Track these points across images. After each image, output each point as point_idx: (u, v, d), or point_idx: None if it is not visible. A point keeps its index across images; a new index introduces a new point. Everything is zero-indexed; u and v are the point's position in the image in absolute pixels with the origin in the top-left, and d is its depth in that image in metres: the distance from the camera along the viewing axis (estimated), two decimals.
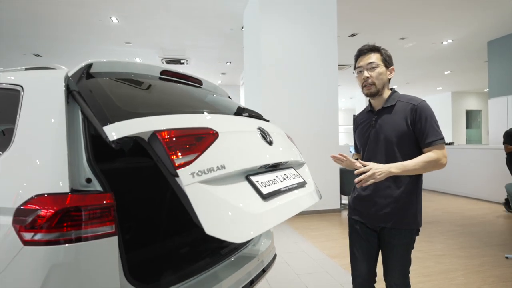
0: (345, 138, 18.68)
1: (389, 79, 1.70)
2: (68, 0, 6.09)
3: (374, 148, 1.68)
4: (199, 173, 1.24)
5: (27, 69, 1.68)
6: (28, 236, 1.14)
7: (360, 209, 1.75)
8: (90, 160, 1.29)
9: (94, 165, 1.29)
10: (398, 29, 7.64)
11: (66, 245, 1.13)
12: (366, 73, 1.65)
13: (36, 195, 1.17)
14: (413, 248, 1.68)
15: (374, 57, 1.64)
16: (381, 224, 1.67)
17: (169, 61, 10.02)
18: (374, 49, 1.67)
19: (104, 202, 1.22)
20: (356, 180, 1.55)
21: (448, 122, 15.44)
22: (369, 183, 1.51)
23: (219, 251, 1.82)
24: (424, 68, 11.31)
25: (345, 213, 5.92)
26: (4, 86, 1.54)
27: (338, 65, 10.11)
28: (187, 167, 1.21)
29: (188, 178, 1.19)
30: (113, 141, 1.15)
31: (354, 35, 7.97)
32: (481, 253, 3.72)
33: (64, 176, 1.20)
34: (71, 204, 1.15)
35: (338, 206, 5.98)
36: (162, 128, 1.25)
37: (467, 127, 15.70)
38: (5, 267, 1.17)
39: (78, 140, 1.32)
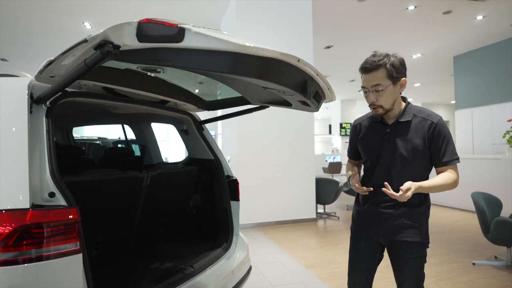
0: (321, 147, 18.99)
1: (401, 92, 1.57)
2: (39, 5, 5.89)
3: (389, 164, 1.57)
4: None
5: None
6: None
7: (366, 223, 1.67)
8: (54, 173, 1.23)
9: (58, 179, 1.22)
10: (370, 43, 7.92)
11: (26, 265, 1.06)
12: (372, 97, 1.52)
13: (4, 210, 1.09)
14: (425, 261, 1.61)
15: (379, 76, 1.47)
16: (391, 237, 1.60)
17: (145, 69, 9.83)
18: (378, 66, 1.47)
19: (69, 217, 1.16)
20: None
21: None
22: (403, 200, 1.42)
23: (191, 265, 1.78)
24: None
25: (321, 222, 5.97)
26: None
27: None
28: None
29: None
30: None
31: (329, 47, 8.18)
32: (450, 259, 3.85)
33: (24, 190, 1.13)
34: (31, 221, 1.08)
35: (314, 216, 6.02)
36: None
37: None
38: None
39: (41, 151, 1.26)
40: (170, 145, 13.70)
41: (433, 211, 6.99)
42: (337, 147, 15.56)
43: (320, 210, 6.50)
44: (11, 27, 6.84)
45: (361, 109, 17.75)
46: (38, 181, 1.20)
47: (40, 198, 1.18)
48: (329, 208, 6.92)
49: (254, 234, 5.15)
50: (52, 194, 1.20)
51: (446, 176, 1.50)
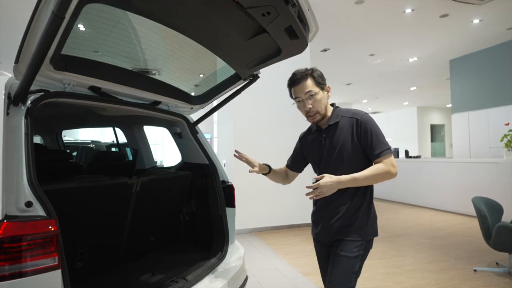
0: None
1: (328, 98, 1.69)
2: (31, 5, 5.75)
3: (329, 165, 1.64)
4: None
5: None
6: None
7: (316, 225, 1.75)
8: (32, 180, 1.12)
9: (36, 186, 1.11)
10: (367, 46, 7.88)
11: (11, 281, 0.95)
12: (308, 104, 1.63)
13: None
14: (361, 260, 1.59)
15: (308, 84, 1.62)
16: (332, 238, 1.64)
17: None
18: (306, 74, 1.64)
19: (46, 230, 1.05)
20: (306, 194, 1.52)
21: (414, 136, 16.07)
22: (319, 197, 1.49)
23: (184, 277, 1.67)
24: (392, 83, 11.74)
25: None
26: None
27: None
28: None
29: None
30: None
31: (326, 50, 8.13)
32: (450, 266, 3.77)
33: None
34: (3, 234, 0.97)
35: (311, 221, 5.92)
36: None
37: (432, 141, 16.41)
38: None
39: (18, 157, 1.15)
40: (166, 148, 13.55)
41: (429, 215, 6.96)
42: None
43: None
44: (5, 28, 6.69)
45: None
46: (14, 189, 1.09)
47: (15, 208, 1.07)
48: None
49: (250, 239, 5.04)
50: (29, 204, 1.09)
51: (375, 167, 1.53)
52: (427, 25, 6.72)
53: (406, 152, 9.84)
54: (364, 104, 16.01)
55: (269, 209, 5.61)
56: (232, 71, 2.17)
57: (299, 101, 1.68)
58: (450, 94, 9.10)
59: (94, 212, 1.66)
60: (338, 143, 1.61)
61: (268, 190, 5.60)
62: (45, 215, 1.09)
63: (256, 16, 1.48)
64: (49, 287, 1.03)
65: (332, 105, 1.73)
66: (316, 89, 1.61)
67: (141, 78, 1.82)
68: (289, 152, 6.27)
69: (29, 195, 1.10)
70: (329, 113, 1.68)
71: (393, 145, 12.70)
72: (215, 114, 6.83)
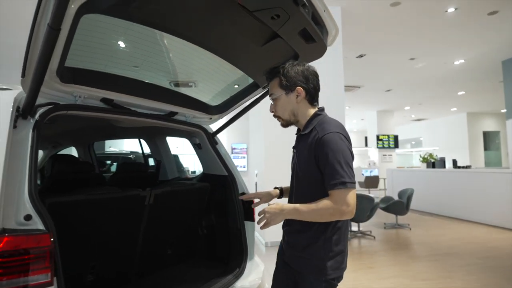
0: (358, 160, 18.23)
1: (304, 101, 1.43)
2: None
3: (294, 182, 1.46)
4: None
5: None
6: None
7: (282, 243, 1.54)
8: (32, 194, 1.11)
9: (36, 200, 1.10)
10: (407, 50, 7.46)
11: None
12: (271, 107, 1.48)
13: None
14: None
15: (273, 86, 1.45)
16: (291, 264, 1.43)
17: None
18: (272, 75, 1.46)
19: (40, 245, 1.02)
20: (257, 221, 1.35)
21: (464, 144, 14.89)
22: (266, 226, 1.29)
23: None
24: (436, 88, 11.01)
25: (354, 242, 5.54)
26: None
27: (347, 86, 9.97)
28: None
29: None
30: None
31: (361, 56, 7.83)
32: None
33: None
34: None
35: None
36: None
37: (485, 149, 15.08)
38: None
39: (21, 169, 1.15)
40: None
41: (482, 231, 6.30)
42: (374, 160, 14.82)
43: (354, 228, 6.06)
44: None
45: (399, 120, 16.90)
46: (15, 202, 1.09)
47: (14, 221, 1.06)
48: (364, 226, 6.44)
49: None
50: (28, 217, 1.08)
51: (323, 201, 1.25)
52: (474, 24, 6.20)
53: (454, 162, 9.10)
54: (406, 111, 15.19)
55: None
56: (249, 80, 2.10)
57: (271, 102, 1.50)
58: (504, 98, 8.30)
59: (105, 224, 1.65)
60: (301, 160, 1.39)
61: None
62: (44, 229, 1.07)
63: (265, 20, 1.40)
64: None
65: (317, 111, 1.46)
66: (278, 91, 1.42)
67: (156, 89, 1.80)
68: None
69: (29, 209, 1.09)
70: (302, 120, 1.44)
71: (440, 154, 11.81)
72: (251, 124, 6.78)
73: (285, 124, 1.48)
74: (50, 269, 1.02)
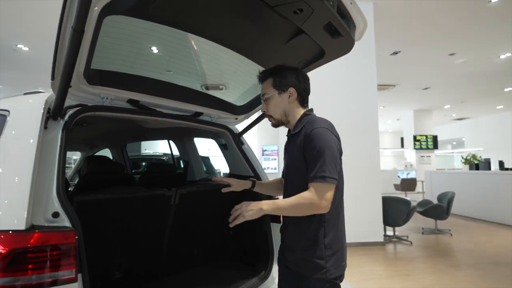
0: (393, 162, 17.52)
1: (296, 101, 1.46)
2: None
3: (285, 180, 1.50)
4: None
5: (25, 94, 1.63)
6: None
7: (282, 249, 1.52)
8: (60, 192, 1.15)
9: (63, 198, 1.14)
10: (445, 45, 7.05)
11: None
12: (263, 106, 1.50)
13: None
14: None
15: (265, 86, 1.48)
16: (293, 267, 1.40)
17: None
18: (265, 75, 1.49)
19: (64, 241, 1.05)
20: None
21: (510, 144, 13.83)
22: (238, 221, 1.33)
23: None
24: (479, 85, 10.30)
25: (390, 247, 5.29)
26: None
27: (381, 85, 9.61)
28: None
29: None
30: None
31: (396, 53, 7.51)
32: None
33: (21, 210, 1.05)
34: (17, 245, 0.99)
35: (381, 239, 5.38)
36: None
37: None
38: None
39: (51, 169, 1.20)
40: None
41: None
42: (410, 162, 14.16)
43: (389, 232, 5.80)
44: None
45: (437, 120, 16.03)
46: (44, 200, 1.13)
47: (43, 218, 1.11)
48: (400, 230, 6.14)
49: None
50: (56, 214, 1.12)
51: (301, 194, 1.28)
52: None
53: (501, 163, 8.45)
54: (446, 110, 14.39)
55: None
56: None
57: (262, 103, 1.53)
58: None
59: (132, 223, 1.68)
60: (291, 157, 1.44)
61: None
62: (70, 226, 1.10)
63: (287, 14, 1.36)
64: None
65: (310, 110, 1.50)
66: (271, 91, 1.45)
67: (181, 90, 1.82)
68: (354, 162, 5.80)
69: (57, 206, 1.13)
70: (292, 120, 1.47)
71: (484, 155, 11.03)
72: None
73: (276, 124, 1.51)
74: (74, 265, 1.05)
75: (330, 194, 1.25)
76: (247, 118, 2.30)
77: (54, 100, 1.24)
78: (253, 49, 1.69)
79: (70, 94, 1.36)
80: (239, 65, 1.91)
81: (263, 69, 1.88)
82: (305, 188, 1.30)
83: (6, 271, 0.97)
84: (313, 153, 1.29)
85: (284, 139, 5.56)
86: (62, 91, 1.19)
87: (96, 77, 1.40)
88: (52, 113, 1.28)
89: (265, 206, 1.31)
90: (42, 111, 1.27)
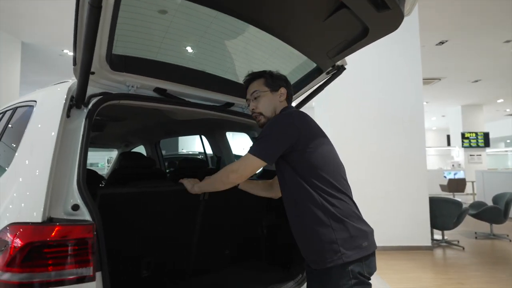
0: (438, 161, 16.42)
1: (285, 101, 1.51)
2: None
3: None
4: None
5: (55, 84, 1.61)
6: None
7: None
8: (80, 183, 1.07)
9: (83, 189, 1.06)
10: (500, 31, 6.39)
11: None
12: (252, 105, 1.50)
13: (11, 224, 0.97)
14: None
15: (257, 84, 1.50)
16: (314, 266, 1.31)
17: None
18: (255, 76, 1.53)
19: (80, 235, 0.96)
20: None
21: None
22: None
23: None
24: None
25: (438, 252, 4.86)
26: (24, 103, 1.47)
27: (425, 79, 8.97)
28: None
29: None
30: None
31: (442, 42, 6.96)
32: None
33: (39, 202, 0.98)
34: (35, 238, 0.92)
35: (428, 243, 4.96)
36: None
37: None
38: None
39: (71, 159, 1.13)
40: None
41: None
42: (458, 161, 13.17)
43: (437, 236, 5.34)
44: None
45: (489, 115, 14.78)
46: (64, 192, 1.06)
47: (62, 211, 1.03)
48: (450, 234, 5.63)
49: None
50: (75, 207, 1.04)
51: (224, 167, 1.40)
52: None
53: None
54: (499, 105, 13.22)
55: (376, 225, 4.91)
56: (311, 65, 1.89)
57: (248, 103, 1.56)
58: None
59: (158, 219, 1.59)
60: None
61: (377, 202, 4.92)
62: (90, 220, 1.02)
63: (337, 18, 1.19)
64: None
65: (290, 106, 1.54)
66: (264, 88, 1.49)
67: (210, 78, 1.71)
68: (395, 158, 5.36)
69: (77, 198, 1.05)
70: None
71: None
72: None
73: (264, 123, 1.48)
74: (92, 262, 0.96)
75: (244, 164, 1.30)
76: None
77: (76, 86, 1.17)
78: (288, 30, 1.53)
79: (94, 82, 1.30)
80: (273, 50, 1.77)
81: (299, 53, 1.73)
82: (290, 185, 1.32)
83: (23, 266, 0.90)
84: (262, 133, 1.35)
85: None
86: (84, 76, 1.12)
87: (120, 63, 1.32)
88: (75, 101, 1.22)
89: (201, 186, 1.46)
90: (65, 98, 1.21)
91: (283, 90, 1.50)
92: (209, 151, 3.13)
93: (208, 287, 1.67)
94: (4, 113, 1.73)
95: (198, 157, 6.79)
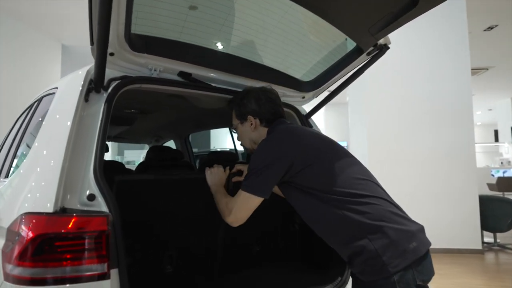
0: (485, 159, 15.26)
1: (260, 127, 1.36)
2: None
3: None
4: None
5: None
6: (7, 268, 0.87)
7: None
8: (97, 172, 0.98)
9: (99, 178, 0.97)
10: None
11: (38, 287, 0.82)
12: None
13: (24, 214, 0.90)
14: None
15: (232, 116, 1.43)
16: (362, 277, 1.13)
17: None
18: (229, 105, 1.46)
19: (92, 227, 0.87)
20: None
21: None
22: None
23: None
24: None
25: (490, 257, 4.43)
26: (48, 92, 1.43)
27: (472, 69, 8.32)
28: None
29: None
30: None
31: (491, 27, 6.38)
32: None
33: (52, 190, 0.90)
34: (48, 229, 0.83)
35: (479, 246, 4.53)
36: None
37: None
38: None
39: (89, 146, 1.04)
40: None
41: None
42: (508, 158, 12.16)
43: (488, 239, 4.87)
44: None
45: None
46: (80, 180, 0.98)
47: (77, 201, 0.95)
48: (503, 237, 5.11)
49: None
50: (91, 197, 0.95)
51: (228, 198, 1.29)
52: None
53: None
54: None
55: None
56: (351, 44, 1.70)
57: None
58: None
59: (181, 210, 1.49)
60: None
61: (421, 201, 4.56)
62: (107, 211, 0.93)
63: None
64: None
65: (275, 125, 1.35)
66: (235, 121, 1.42)
67: (239, 62, 1.58)
68: (440, 155, 4.96)
69: (93, 188, 0.97)
70: None
71: None
72: (350, 119, 6.18)
73: (251, 152, 1.38)
74: (106, 258, 0.86)
75: (240, 204, 1.18)
76: (316, 97, 1.98)
77: (94, 67, 1.09)
78: (326, 3, 1.35)
79: (114, 64, 1.22)
80: (309, 29, 1.61)
81: (337, 31, 1.55)
82: (306, 203, 1.19)
83: (35, 260, 0.82)
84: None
85: (354, 134, 5.03)
86: (101, 56, 1.03)
87: (141, 43, 1.23)
88: (94, 84, 1.14)
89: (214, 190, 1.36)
90: (83, 81, 1.13)
91: (251, 118, 1.35)
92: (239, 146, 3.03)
93: (236, 287, 1.55)
94: (32, 104, 1.72)
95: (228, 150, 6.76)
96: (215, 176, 1.39)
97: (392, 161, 4.79)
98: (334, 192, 1.11)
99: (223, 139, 11.11)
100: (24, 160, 1.16)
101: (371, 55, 1.69)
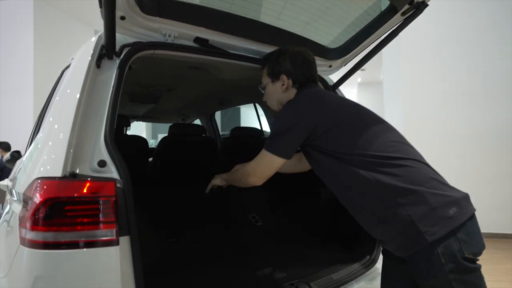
0: None
1: (292, 89, 1.28)
2: None
3: None
4: None
5: None
6: (22, 232, 0.87)
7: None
8: (107, 138, 0.96)
9: (110, 144, 0.95)
10: None
11: (48, 251, 0.81)
12: (263, 96, 1.39)
13: (36, 179, 0.89)
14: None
15: (263, 74, 1.37)
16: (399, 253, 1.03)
17: None
18: (263, 62, 1.42)
19: (102, 193, 0.84)
20: None
21: None
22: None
23: (308, 282, 1.24)
24: None
25: None
26: (67, 64, 1.43)
27: None
28: None
29: None
30: None
31: None
32: None
33: (60, 155, 0.88)
34: (52, 194, 0.82)
35: None
36: None
37: None
38: (8, 272, 0.94)
39: (101, 112, 1.02)
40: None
41: None
42: None
43: None
44: None
45: None
46: (91, 146, 0.96)
47: (88, 167, 0.93)
48: None
49: None
50: (102, 163, 0.93)
51: (240, 165, 1.33)
52: None
53: None
54: None
55: None
56: (383, 3, 1.54)
57: None
58: None
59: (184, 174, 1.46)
60: None
61: (467, 183, 4.24)
62: (118, 177, 0.90)
63: None
64: (105, 267, 0.82)
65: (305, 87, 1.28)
66: (266, 80, 1.34)
67: (258, 28, 1.48)
68: (486, 134, 4.53)
69: (104, 154, 0.94)
70: None
71: None
72: (385, 94, 5.83)
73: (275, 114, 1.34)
74: (114, 224, 0.83)
75: (262, 164, 1.16)
76: (344, 65, 1.83)
77: (104, 31, 1.04)
78: None
79: (126, 29, 1.17)
80: None
81: None
82: (332, 168, 1.11)
83: (47, 224, 0.81)
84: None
85: (388, 110, 4.71)
86: (110, 18, 0.98)
87: (153, 6, 1.16)
88: (106, 50, 1.09)
89: (224, 179, 1.39)
90: (94, 46, 1.09)
91: (284, 78, 1.27)
92: (265, 122, 2.95)
93: (258, 263, 1.50)
94: (57, 80, 1.74)
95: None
96: (215, 180, 1.43)
97: (429, 142, 4.50)
98: (361, 155, 1.02)
99: (253, 121, 11.07)
100: (43, 126, 1.16)
101: (406, 15, 1.51)
